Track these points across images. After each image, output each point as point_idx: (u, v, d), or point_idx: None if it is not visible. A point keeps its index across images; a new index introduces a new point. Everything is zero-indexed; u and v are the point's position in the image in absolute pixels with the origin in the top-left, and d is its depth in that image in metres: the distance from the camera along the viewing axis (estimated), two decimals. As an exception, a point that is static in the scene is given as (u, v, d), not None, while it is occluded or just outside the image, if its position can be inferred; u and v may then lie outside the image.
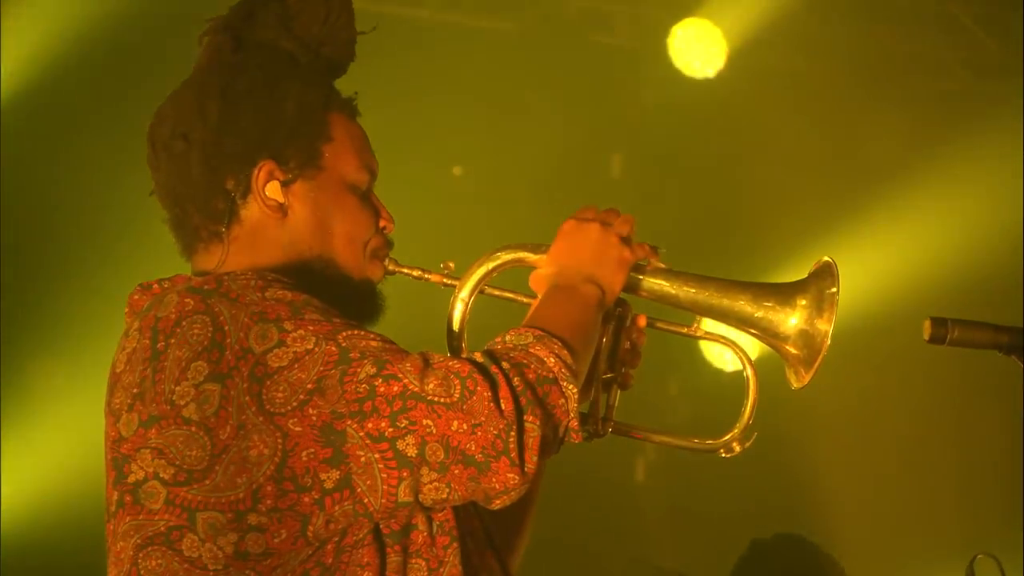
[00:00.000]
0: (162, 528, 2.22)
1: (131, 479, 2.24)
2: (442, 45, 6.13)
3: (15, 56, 5.45)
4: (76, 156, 5.51)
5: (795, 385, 2.51)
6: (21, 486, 5.28)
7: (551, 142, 6.32)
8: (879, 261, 6.41)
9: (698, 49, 6.56)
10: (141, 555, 2.23)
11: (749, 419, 2.55)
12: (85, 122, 5.45)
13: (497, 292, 2.58)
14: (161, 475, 2.21)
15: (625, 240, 2.48)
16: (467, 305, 2.54)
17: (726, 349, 2.60)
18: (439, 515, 2.32)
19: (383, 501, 2.18)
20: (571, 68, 6.42)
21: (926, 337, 2.42)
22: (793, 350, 2.49)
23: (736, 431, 2.55)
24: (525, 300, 2.55)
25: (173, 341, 2.23)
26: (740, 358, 2.56)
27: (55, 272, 5.54)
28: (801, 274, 2.53)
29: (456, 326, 2.54)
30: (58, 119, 5.57)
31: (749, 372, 2.56)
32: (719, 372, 6.43)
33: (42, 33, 5.50)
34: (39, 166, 5.55)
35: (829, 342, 2.46)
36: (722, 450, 2.57)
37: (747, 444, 2.55)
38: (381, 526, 2.27)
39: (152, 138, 2.48)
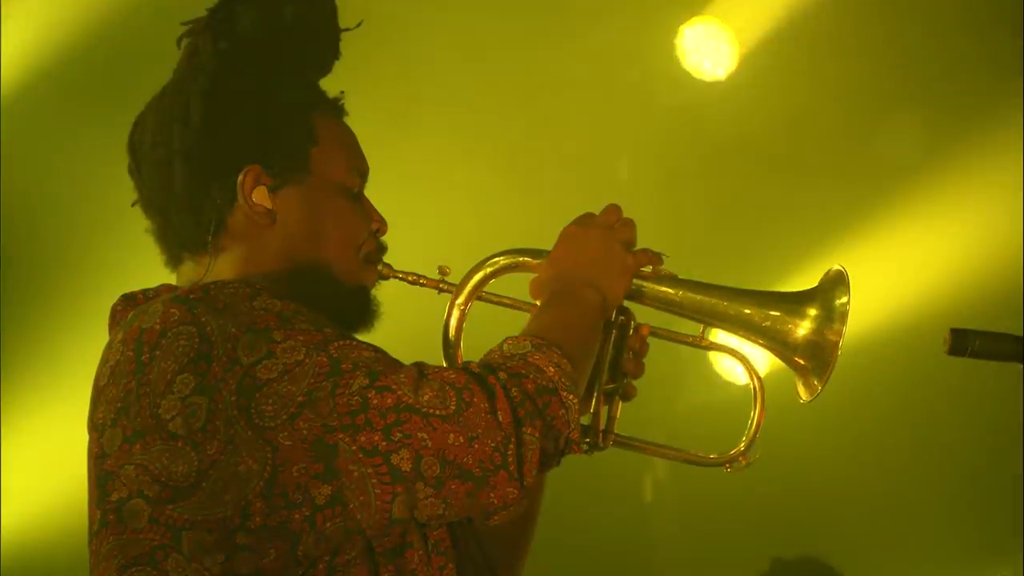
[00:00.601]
0: (146, 548, 2.15)
1: (114, 497, 2.17)
2: (444, 44, 6.10)
3: (15, 55, 5.42)
4: (68, 163, 5.48)
5: (804, 398, 2.47)
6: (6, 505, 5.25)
7: (556, 144, 6.29)
8: (895, 268, 6.35)
9: (708, 50, 6.52)
10: (125, 576, 2.16)
11: (756, 432, 2.51)
12: (77, 128, 5.42)
13: (495, 299, 2.54)
14: (145, 492, 2.15)
15: (627, 245, 2.43)
16: (464, 312, 2.50)
17: (737, 362, 2.55)
18: (435, 534, 2.27)
19: (376, 518, 2.12)
20: (576, 68, 6.39)
21: (946, 349, 2.35)
22: (802, 361, 2.45)
23: (742, 445, 2.51)
24: (524, 307, 2.50)
25: (158, 353, 2.17)
26: (746, 369, 2.52)
27: (40, 281, 5.50)
28: (812, 282, 2.48)
29: (452, 333, 2.50)
30: (51, 126, 5.54)
31: (756, 384, 2.51)
32: (730, 386, 6.36)
33: (42, 33, 5.48)
34: (33, 171, 5.53)
35: (839, 353, 2.40)
36: (727, 465, 2.52)
37: (753, 459, 2.51)
38: (374, 544, 2.20)
39: (133, 146, 2.42)
